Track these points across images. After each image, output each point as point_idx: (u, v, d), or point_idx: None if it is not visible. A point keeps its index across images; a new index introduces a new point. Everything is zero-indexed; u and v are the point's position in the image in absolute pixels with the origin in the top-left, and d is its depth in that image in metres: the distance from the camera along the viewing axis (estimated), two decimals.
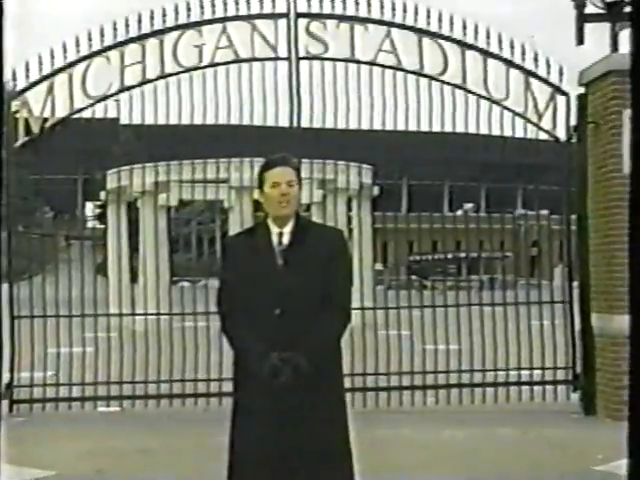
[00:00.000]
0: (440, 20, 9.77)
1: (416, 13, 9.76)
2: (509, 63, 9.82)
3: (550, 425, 8.76)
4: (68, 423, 9.20)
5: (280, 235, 4.12)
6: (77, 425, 9.12)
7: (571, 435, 8.29)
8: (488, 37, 9.82)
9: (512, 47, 9.82)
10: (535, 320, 9.93)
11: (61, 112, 9.76)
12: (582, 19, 9.27)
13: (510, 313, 10.13)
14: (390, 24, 9.79)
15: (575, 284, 9.89)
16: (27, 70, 9.66)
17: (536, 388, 9.90)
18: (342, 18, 9.81)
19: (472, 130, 10.16)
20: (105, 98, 9.85)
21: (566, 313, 9.92)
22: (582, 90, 9.70)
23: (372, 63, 9.84)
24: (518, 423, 8.83)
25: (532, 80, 9.82)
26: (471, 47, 9.81)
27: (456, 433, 8.44)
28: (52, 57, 9.65)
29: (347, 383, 5.53)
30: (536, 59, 9.84)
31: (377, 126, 10.10)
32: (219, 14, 9.75)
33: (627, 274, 1.61)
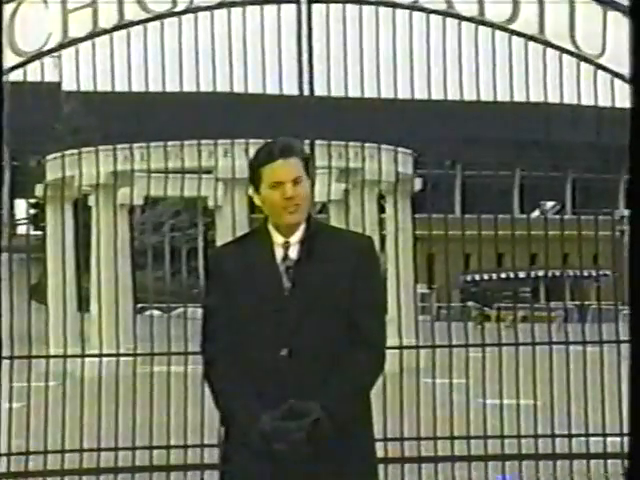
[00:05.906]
0: None
1: None
2: (607, 3, 9.79)
3: None
4: None
5: (286, 246, 4.11)
6: None
7: None
8: None
9: None
10: None
11: None
12: None
13: (608, 355, 10.09)
14: None
15: None
16: None
17: None
18: None
19: (553, 99, 10.13)
20: (41, 55, 9.88)
21: None
22: None
23: (413, 7, 9.84)
24: None
25: None
26: None
27: None
28: None
29: (379, 451, 5.49)
30: None
31: (419, 94, 10.09)
32: None
33: None
